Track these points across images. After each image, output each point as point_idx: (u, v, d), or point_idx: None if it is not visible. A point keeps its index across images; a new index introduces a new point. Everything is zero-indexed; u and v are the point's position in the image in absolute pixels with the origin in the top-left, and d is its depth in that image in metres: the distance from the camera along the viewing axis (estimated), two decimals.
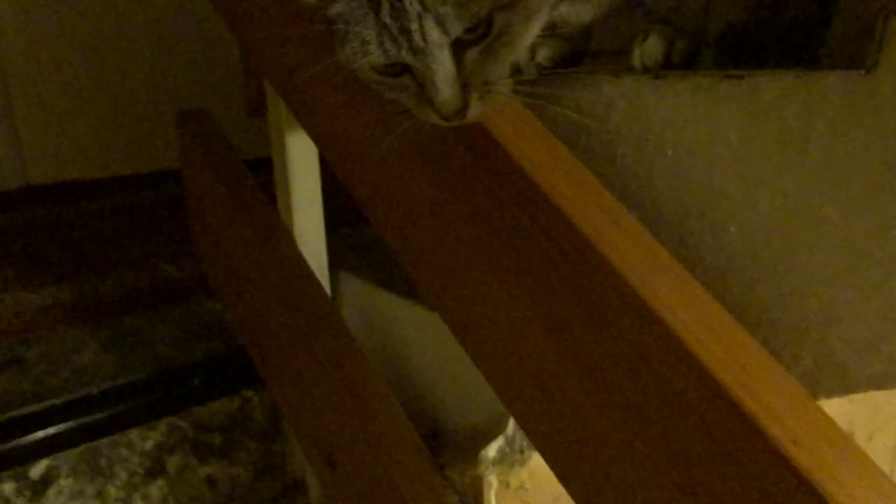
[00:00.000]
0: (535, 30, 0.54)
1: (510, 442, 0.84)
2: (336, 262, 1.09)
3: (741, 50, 0.58)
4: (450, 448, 0.92)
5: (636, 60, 0.60)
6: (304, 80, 0.75)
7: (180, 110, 1.14)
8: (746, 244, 0.54)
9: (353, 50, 0.51)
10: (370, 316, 1.04)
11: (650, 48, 0.59)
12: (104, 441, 1.12)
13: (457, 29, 0.50)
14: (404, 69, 0.52)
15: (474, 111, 0.52)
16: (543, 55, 0.63)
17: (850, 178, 0.48)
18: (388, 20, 0.50)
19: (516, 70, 0.55)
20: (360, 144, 0.72)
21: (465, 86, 0.51)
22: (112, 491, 1.13)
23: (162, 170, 1.84)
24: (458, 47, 0.50)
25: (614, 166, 0.62)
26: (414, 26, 0.50)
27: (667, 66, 0.59)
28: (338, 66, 0.69)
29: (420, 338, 0.98)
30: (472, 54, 0.51)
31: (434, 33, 0.50)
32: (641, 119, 0.60)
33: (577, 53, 0.65)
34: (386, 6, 0.50)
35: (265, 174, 1.05)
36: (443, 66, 0.50)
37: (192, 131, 1.10)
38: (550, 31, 0.56)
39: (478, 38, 0.50)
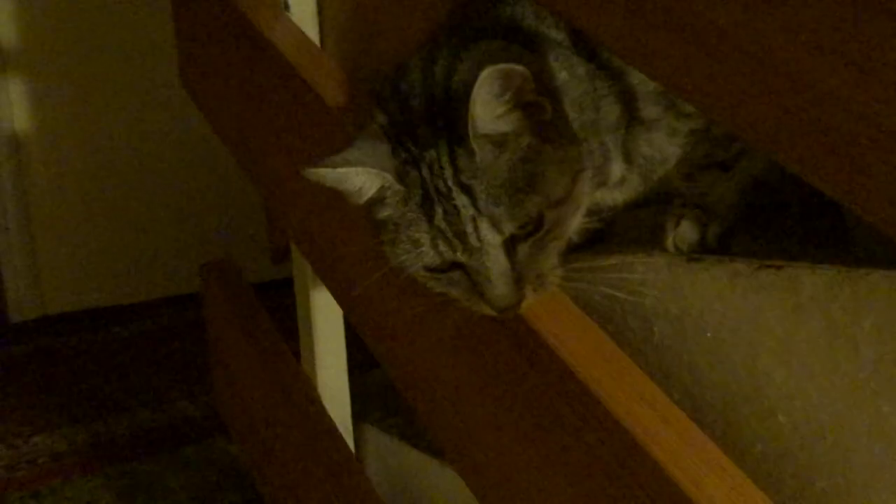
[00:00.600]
0: (579, 219, 0.55)
1: None
2: (361, 409, 1.07)
3: (775, 225, 0.58)
4: None
5: (670, 244, 0.60)
6: (337, 254, 0.76)
7: (204, 263, 1.14)
8: (798, 435, 0.53)
9: (404, 251, 0.52)
10: (395, 473, 1.01)
11: (684, 233, 0.59)
12: None
13: (510, 228, 0.50)
14: (455, 265, 0.52)
15: (528, 303, 0.52)
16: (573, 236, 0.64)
17: None
18: (442, 224, 0.51)
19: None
20: (388, 317, 0.71)
21: (518, 280, 0.51)
22: None
23: (180, 294, 1.84)
24: (510, 243, 0.51)
25: (651, 344, 0.61)
26: (469, 229, 0.50)
27: (701, 249, 0.59)
28: (372, 247, 0.70)
29: (445, 499, 0.94)
30: (523, 249, 0.52)
31: (488, 234, 0.50)
32: (677, 299, 0.59)
33: (601, 232, 0.65)
34: (439, 211, 0.51)
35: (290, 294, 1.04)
36: (497, 264, 0.51)
37: (216, 283, 1.11)
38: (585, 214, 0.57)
39: (529, 233, 0.51)
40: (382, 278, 0.70)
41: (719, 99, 0.37)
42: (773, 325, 0.53)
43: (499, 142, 0.51)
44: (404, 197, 0.52)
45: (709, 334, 0.57)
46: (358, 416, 1.06)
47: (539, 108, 0.51)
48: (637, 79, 0.55)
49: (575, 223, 0.54)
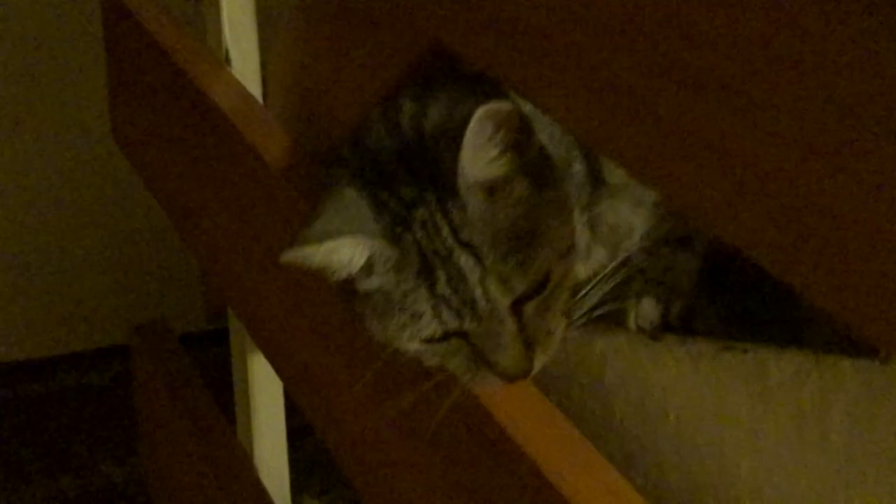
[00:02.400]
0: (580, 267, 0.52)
1: None
2: (299, 480, 1.01)
3: (737, 304, 0.56)
4: None
5: (631, 323, 0.58)
6: (279, 324, 0.72)
7: (135, 324, 1.08)
8: None
9: (398, 325, 0.47)
10: None
11: (646, 311, 0.57)
12: None
13: (521, 287, 0.46)
14: (454, 334, 0.47)
15: (539, 366, 0.48)
16: None
17: (878, 469, 0.46)
18: (446, 292, 0.46)
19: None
20: (333, 393, 0.67)
21: (529, 343, 0.47)
22: None
23: (106, 346, 1.74)
24: (516, 304, 0.47)
25: (612, 426, 0.59)
26: (478, 292, 0.46)
27: (663, 327, 0.57)
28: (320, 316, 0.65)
29: None
30: (530, 309, 0.47)
31: (499, 295, 0.46)
32: (639, 380, 0.57)
33: None
34: (441, 277, 0.46)
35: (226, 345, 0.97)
36: (507, 328, 0.46)
37: (148, 347, 1.04)
38: None
39: (536, 291, 0.47)
40: (327, 349, 0.66)
41: (677, 183, 0.36)
42: (738, 411, 0.51)
43: (491, 188, 0.46)
44: (397, 264, 0.47)
45: (671, 417, 0.55)
46: (296, 488, 1.00)
47: (526, 147, 0.47)
48: None
49: (578, 274, 0.51)
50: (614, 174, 0.53)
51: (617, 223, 0.54)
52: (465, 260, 0.46)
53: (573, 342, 0.61)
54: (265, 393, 0.95)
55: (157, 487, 1.10)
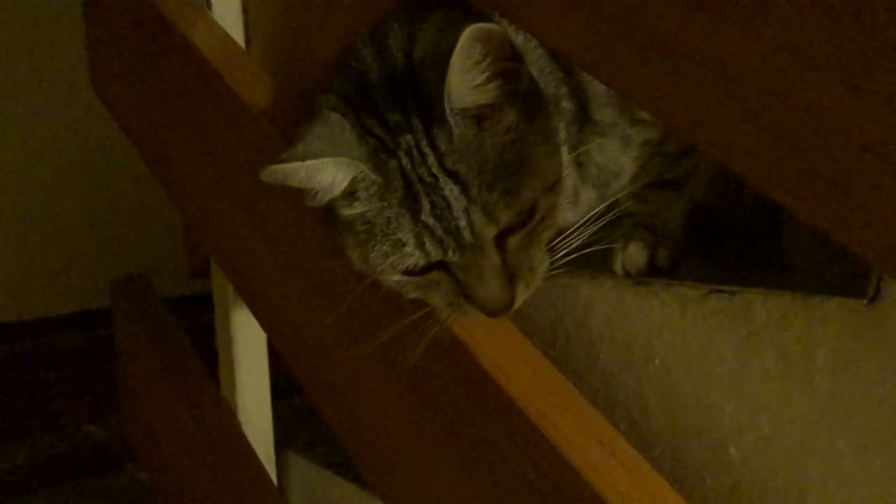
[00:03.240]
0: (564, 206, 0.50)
1: None
2: (285, 436, 1.01)
3: (718, 248, 0.56)
4: None
5: (618, 267, 0.57)
6: (261, 273, 0.70)
7: (114, 278, 1.06)
8: (750, 470, 0.50)
9: (381, 254, 0.46)
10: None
11: (632, 255, 0.57)
12: None
13: (506, 218, 0.45)
14: (436, 265, 0.46)
15: (520, 301, 0.47)
16: None
17: (862, 412, 0.46)
18: (430, 220, 0.45)
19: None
20: (315, 341, 0.66)
21: (511, 277, 0.46)
22: None
23: (89, 309, 1.72)
24: (500, 237, 0.46)
25: (596, 371, 0.58)
26: (462, 222, 0.44)
27: (650, 272, 0.57)
28: (300, 260, 0.64)
29: None
30: (514, 242, 0.46)
31: (483, 226, 0.45)
32: (625, 325, 0.56)
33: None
34: (426, 205, 0.45)
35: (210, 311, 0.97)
36: (490, 260, 0.45)
37: (127, 300, 1.03)
38: None
39: (521, 223, 0.46)
40: (309, 296, 0.65)
41: (676, 106, 0.35)
42: (724, 354, 0.51)
43: (479, 116, 0.45)
44: (380, 190, 0.46)
45: (657, 362, 0.55)
46: (281, 444, 1.00)
47: (516, 75, 0.46)
48: (590, 83, 0.51)
49: (563, 210, 0.49)
50: (603, 112, 0.52)
51: (605, 163, 0.53)
52: (450, 188, 0.44)
53: (559, 288, 0.60)
54: (248, 348, 0.94)
55: (142, 444, 1.10)
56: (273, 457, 0.97)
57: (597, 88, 0.52)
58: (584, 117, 0.52)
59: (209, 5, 0.82)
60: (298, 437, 1.05)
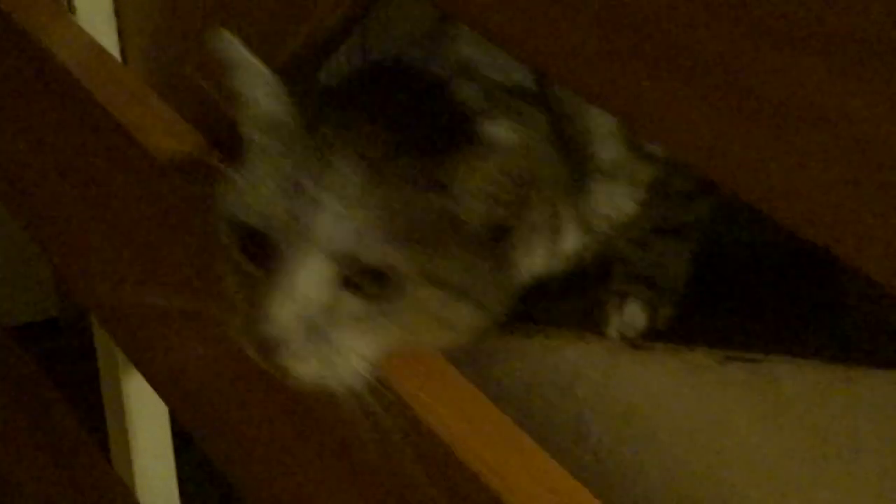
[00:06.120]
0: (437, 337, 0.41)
1: None
2: (193, 500, 0.88)
3: (742, 312, 0.49)
4: None
5: (612, 329, 0.50)
6: (163, 334, 0.58)
7: None
8: None
9: (238, 178, 0.39)
10: None
11: (632, 316, 0.49)
12: None
13: (364, 248, 0.36)
14: (259, 253, 0.38)
15: (301, 369, 0.37)
16: None
17: None
18: (286, 168, 0.38)
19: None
20: (237, 419, 0.55)
21: (313, 327, 0.37)
22: None
23: None
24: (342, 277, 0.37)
25: (587, 447, 0.51)
26: (321, 181, 0.37)
27: (648, 333, 0.49)
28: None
29: None
30: (349, 303, 0.37)
31: (331, 226, 0.36)
32: (620, 395, 0.49)
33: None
34: (315, 165, 0.38)
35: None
36: (311, 271, 0.36)
37: None
38: None
39: (367, 286, 0.37)
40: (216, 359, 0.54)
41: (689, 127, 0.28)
42: (744, 431, 0.44)
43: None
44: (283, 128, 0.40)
45: (662, 437, 0.48)
46: None
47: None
48: (593, 120, 0.45)
49: (438, 339, 0.40)
50: (608, 149, 0.44)
51: (610, 214, 0.45)
52: (350, 178, 0.37)
53: (536, 350, 0.52)
54: (146, 407, 0.80)
55: None
56: None
57: (601, 129, 0.44)
58: (585, 163, 0.44)
59: (72, 9, 0.68)
60: (207, 499, 0.92)
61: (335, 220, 0.36)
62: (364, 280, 0.37)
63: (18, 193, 0.73)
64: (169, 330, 0.59)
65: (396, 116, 0.41)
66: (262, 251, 0.38)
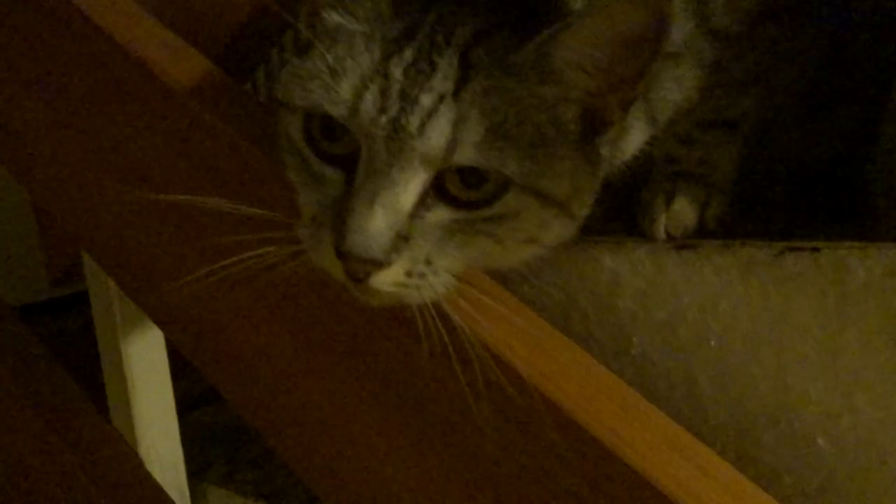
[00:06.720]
0: (528, 252, 0.40)
1: None
2: (198, 464, 0.84)
3: (795, 207, 0.46)
4: None
5: (660, 230, 0.46)
6: (158, 262, 0.54)
7: None
8: (845, 463, 0.41)
9: (313, 72, 0.35)
10: None
11: (680, 214, 0.46)
12: None
13: (465, 155, 0.34)
14: (343, 160, 0.35)
15: (389, 281, 0.35)
16: None
17: None
18: (395, 71, 0.35)
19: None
20: (236, 331, 0.52)
21: (403, 237, 0.35)
22: None
23: None
24: (437, 187, 0.35)
25: (628, 360, 0.48)
26: (424, 105, 0.34)
27: (697, 233, 0.46)
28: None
29: None
30: (439, 215, 0.35)
31: (437, 131, 0.34)
32: (666, 300, 0.46)
33: None
34: (407, 55, 0.35)
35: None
36: (398, 184, 0.34)
37: None
38: None
39: (468, 198, 0.35)
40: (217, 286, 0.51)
41: None
42: (806, 326, 0.41)
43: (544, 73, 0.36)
44: (381, 15, 0.36)
45: (712, 343, 0.45)
46: (195, 475, 0.83)
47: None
48: None
49: (523, 252, 0.38)
50: (679, 27, 0.41)
51: (677, 100, 0.42)
52: (445, 70, 0.34)
53: (571, 261, 0.49)
54: (145, 362, 0.76)
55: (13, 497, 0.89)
56: (187, 495, 0.80)
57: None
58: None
59: None
60: (215, 464, 0.89)
61: (431, 117, 0.34)
62: (457, 185, 0.35)
63: (10, 139, 0.69)
64: (164, 264, 0.56)
65: (489, 3, 0.38)
66: (338, 146, 0.35)
